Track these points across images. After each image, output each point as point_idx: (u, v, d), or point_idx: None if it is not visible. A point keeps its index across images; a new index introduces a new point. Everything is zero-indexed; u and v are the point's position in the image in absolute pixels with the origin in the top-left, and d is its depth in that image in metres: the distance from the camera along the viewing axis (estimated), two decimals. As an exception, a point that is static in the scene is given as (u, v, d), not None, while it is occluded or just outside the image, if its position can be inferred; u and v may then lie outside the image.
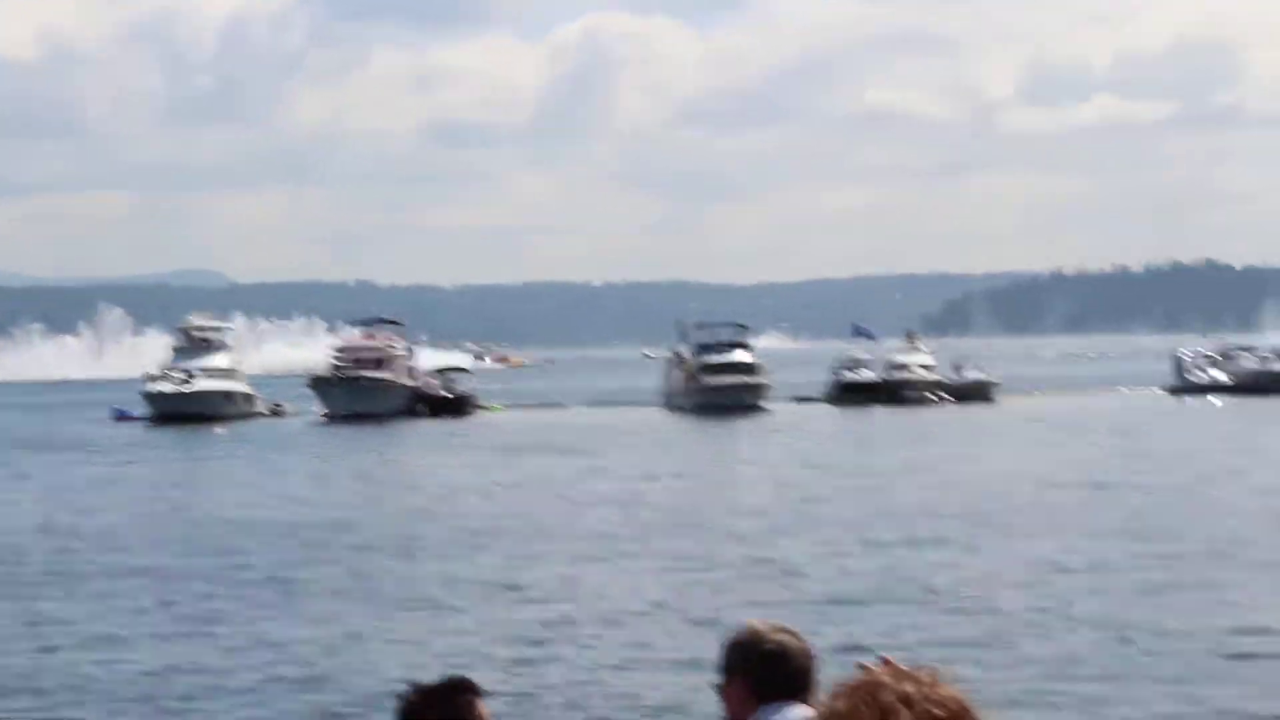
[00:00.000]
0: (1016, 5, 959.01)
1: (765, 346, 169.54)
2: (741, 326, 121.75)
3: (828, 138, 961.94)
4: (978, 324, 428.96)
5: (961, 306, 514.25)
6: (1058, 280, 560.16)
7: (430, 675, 5.65)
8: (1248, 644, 27.20)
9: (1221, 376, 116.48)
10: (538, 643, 28.80)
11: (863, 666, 3.24)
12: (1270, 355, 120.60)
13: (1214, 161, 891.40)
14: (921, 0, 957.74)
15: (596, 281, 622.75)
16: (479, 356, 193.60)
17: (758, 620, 5.53)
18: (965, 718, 3.05)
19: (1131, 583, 33.77)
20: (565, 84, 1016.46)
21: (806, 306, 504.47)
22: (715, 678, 5.49)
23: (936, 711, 3.02)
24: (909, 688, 3.06)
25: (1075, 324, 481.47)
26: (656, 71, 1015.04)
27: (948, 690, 3.07)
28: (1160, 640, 27.68)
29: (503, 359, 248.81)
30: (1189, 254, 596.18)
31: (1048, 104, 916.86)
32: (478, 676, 5.66)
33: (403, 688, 5.62)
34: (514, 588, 35.06)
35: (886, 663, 3.25)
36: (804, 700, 5.32)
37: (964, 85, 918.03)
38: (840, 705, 3.08)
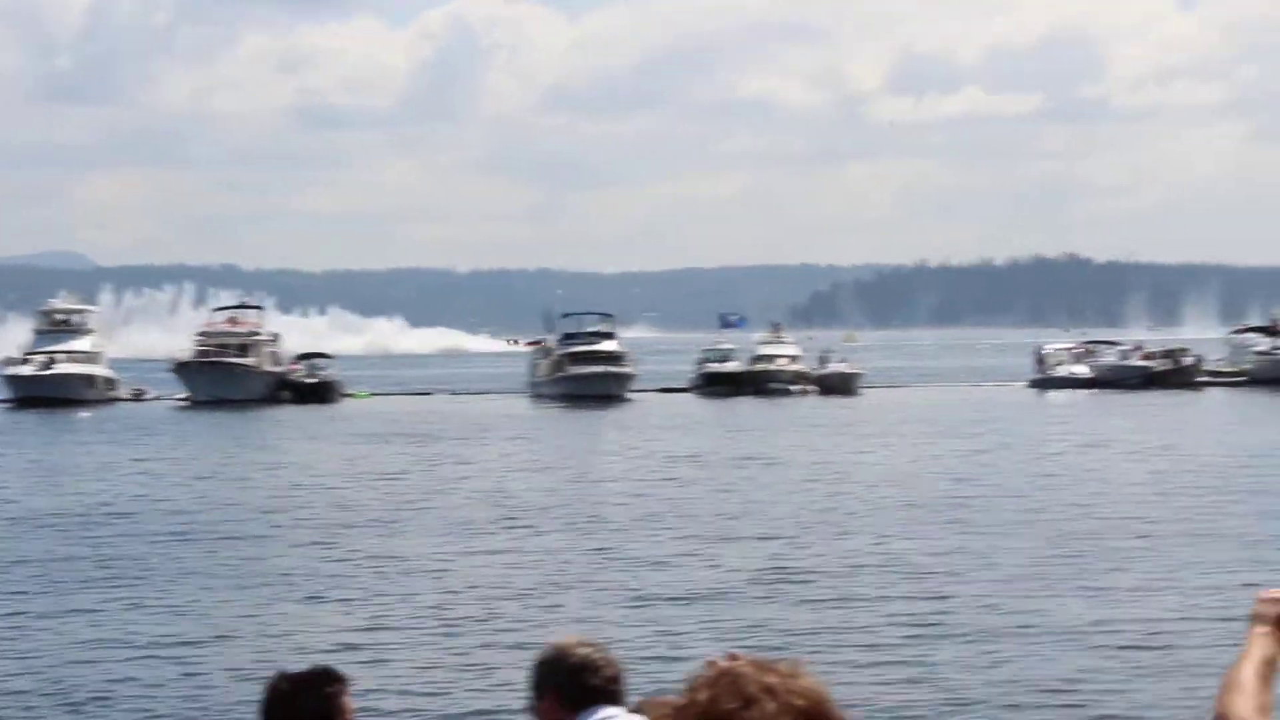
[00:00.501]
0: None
1: (632, 336, 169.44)
2: (608, 316, 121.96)
3: (698, 126, 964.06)
4: (845, 316, 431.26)
5: (829, 298, 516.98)
6: (923, 273, 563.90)
7: (287, 665, 5.65)
8: (1078, 629, 27.62)
9: (1082, 371, 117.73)
10: (396, 631, 28.76)
11: (714, 662, 3.25)
12: (1130, 350, 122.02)
13: (1078, 155, 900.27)
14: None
15: (462, 268, 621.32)
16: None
17: (562, 636, 5.59)
18: (824, 708, 3.07)
19: (969, 570, 34.15)
20: (433, 68, 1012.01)
21: (674, 296, 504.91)
22: (528, 698, 5.55)
23: (797, 701, 3.03)
24: (771, 678, 3.07)
25: (943, 317, 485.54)
26: (525, 57, 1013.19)
27: (807, 681, 3.09)
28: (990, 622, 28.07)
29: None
30: (1052, 248, 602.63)
31: (915, 95, 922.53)
32: (337, 664, 5.69)
33: (269, 676, 5.63)
34: (375, 576, 34.95)
35: (734, 657, 3.26)
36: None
37: (833, 75, 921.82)
38: (702, 696, 3.08)
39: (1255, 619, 4.29)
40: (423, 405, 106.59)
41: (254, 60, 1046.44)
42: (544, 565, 36.53)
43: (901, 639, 27.68)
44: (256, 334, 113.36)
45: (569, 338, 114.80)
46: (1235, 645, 4.32)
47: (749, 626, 28.67)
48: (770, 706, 3.01)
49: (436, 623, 29.60)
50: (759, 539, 40.32)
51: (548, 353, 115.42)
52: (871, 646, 27.13)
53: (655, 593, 32.52)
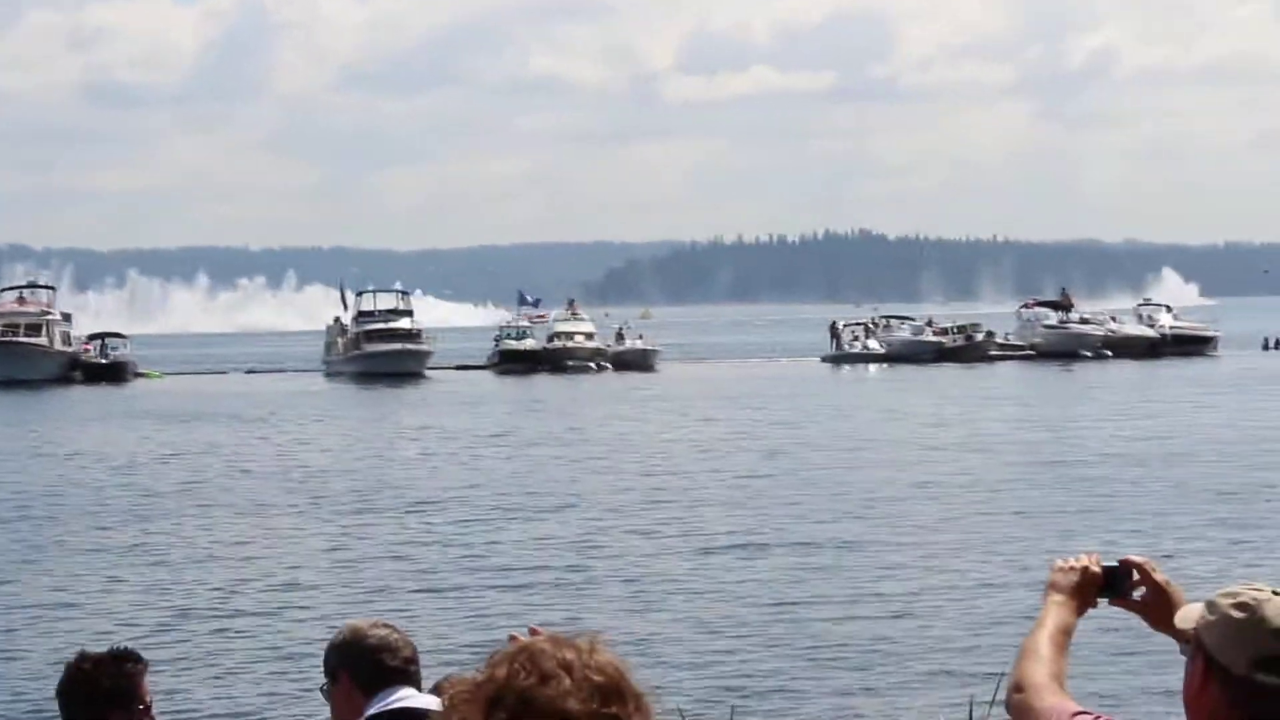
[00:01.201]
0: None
1: (428, 313, 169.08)
2: (403, 293, 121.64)
3: (490, 103, 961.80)
4: (641, 293, 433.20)
5: (624, 275, 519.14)
6: (718, 249, 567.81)
7: (88, 645, 5.66)
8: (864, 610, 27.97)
9: (875, 346, 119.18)
10: (192, 613, 28.50)
11: (515, 637, 3.23)
12: (921, 325, 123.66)
13: (868, 133, 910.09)
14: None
15: (255, 247, 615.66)
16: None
17: (356, 620, 5.57)
18: (623, 684, 3.07)
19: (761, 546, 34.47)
20: (223, 46, 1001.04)
21: (471, 273, 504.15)
22: (322, 682, 5.53)
23: (595, 678, 3.02)
24: (569, 654, 3.05)
25: (740, 293, 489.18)
26: (317, 34, 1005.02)
27: (606, 656, 3.08)
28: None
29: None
30: (845, 224, 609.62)
31: (707, 73, 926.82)
32: (136, 645, 5.70)
33: (70, 657, 5.65)
34: (170, 556, 34.61)
35: (535, 632, 3.25)
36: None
37: (625, 53, 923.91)
38: (499, 672, 3.06)
39: (1050, 587, 4.40)
40: (217, 385, 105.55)
41: (41, 36, 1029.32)
42: (341, 547, 36.33)
43: (708, 615, 27.85)
44: (48, 313, 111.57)
45: (364, 315, 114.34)
46: (1030, 615, 4.37)
47: (552, 604, 28.72)
48: (566, 683, 3.00)
49: (229, 608, 29.33)
50: (559, 517, 40.40)
51: (344, 330, 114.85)
52: (676, 620, 27.29)
53: (452, 572, 32.49)
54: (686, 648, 25.34)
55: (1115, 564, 4.44)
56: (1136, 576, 4.44)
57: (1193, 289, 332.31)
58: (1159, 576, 4.41)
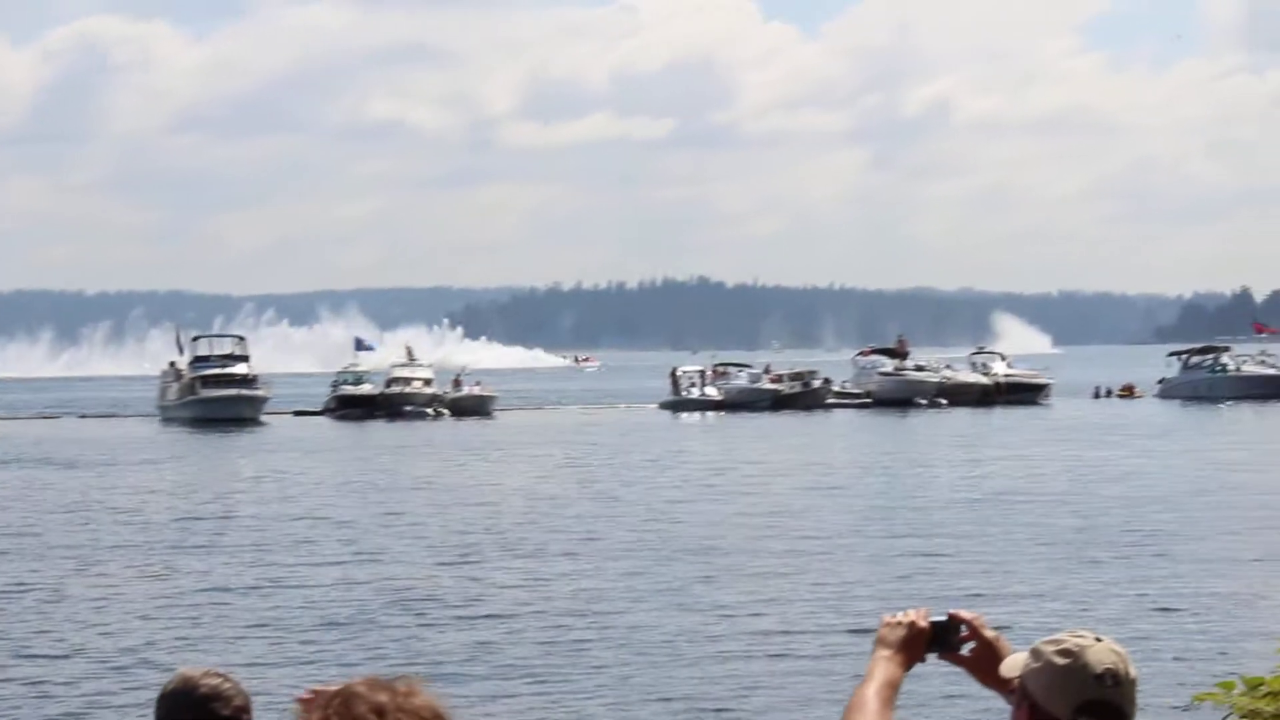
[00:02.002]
0: (516, 20, 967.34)
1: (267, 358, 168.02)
2: (240, 338, 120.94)
3: (330, 148, 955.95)
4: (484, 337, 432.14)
5: (463, 320, 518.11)
6: (557, 295, 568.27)
7: None
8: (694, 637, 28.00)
9: (713, 393, 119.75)
10: (27, 655, 28.05)
11: (307, 695, 3.18)
12: (758, 373, 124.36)
13: (707, 180, 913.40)
14: (421, 12, 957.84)
15: (90, 290, 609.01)
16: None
17: (188, 668, 5.44)
18: None
19: (591, 586, 34.44)
20: (59, 87, 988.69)
21: (308, 319, 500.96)
22: None
23: None
24: (383, 697, 3.03)
25: (581, 339, 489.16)
26: (154, 77, 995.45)
27: (423, 699, 3.06)
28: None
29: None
30: (683, 271, 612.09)
31: (545, 120, 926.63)
32: None
33: None
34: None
35: (315, 691, 3.19)
36: None
37: (464, 99, 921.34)
38: (314, 718, 3.02)
39: (879, 642, 4.40)
40: (47, 429, 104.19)
41: None
42: (173, 593, 35.89)
43: (534, 659, 27.74)
44: None
45: (200, 360, 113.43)
46: (860, 663, 4.35)
47: (381, 650, 28.51)
48: None
49: (56, 651, 28.88)
50: (392, 561, 40.15)
51: (179, 375, 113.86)
52: (505, 667, 27.17)
53: (286, 617, 32.16)
54: (522, 686, 25.21)
55: (944, 618, 4.43)
56: (965, 631, 4.43)
57: (1046, 338, 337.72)
58: (988, 633, 4.40)
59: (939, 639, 4.43)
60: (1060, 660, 4.06)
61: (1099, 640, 4.10)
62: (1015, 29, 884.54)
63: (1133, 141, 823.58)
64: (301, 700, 3.28)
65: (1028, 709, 4.11)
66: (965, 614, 4.43)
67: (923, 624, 4.41)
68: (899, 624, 4.39)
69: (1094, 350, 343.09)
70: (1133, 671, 4.09)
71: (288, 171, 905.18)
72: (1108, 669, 4.03)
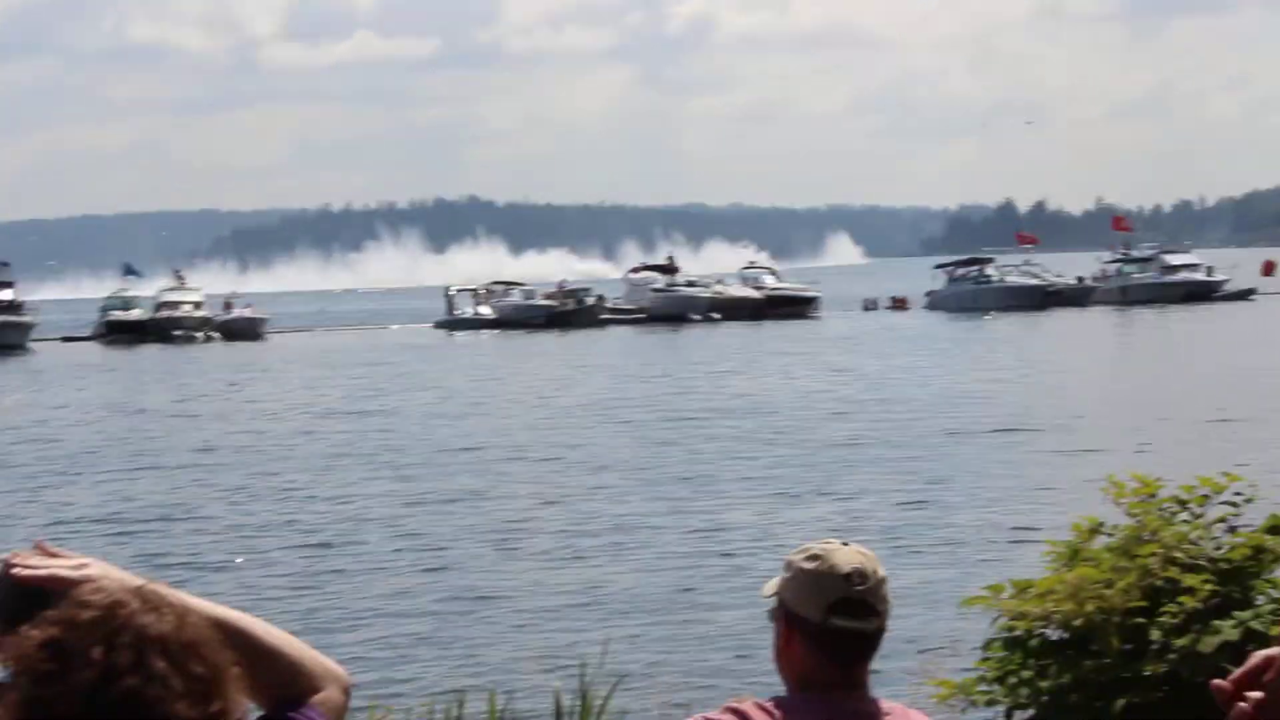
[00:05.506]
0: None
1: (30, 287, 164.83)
2: (3, 264, 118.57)
3: (89, 72, 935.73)
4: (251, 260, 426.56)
5: (231, 243, 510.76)
6: (328, 217, 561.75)
7: None
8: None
9: (486, 311, 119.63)
10: None
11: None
12: (532, 290, 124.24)
13: (472, 99, 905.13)
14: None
15: None
16: None
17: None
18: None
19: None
20: None
21: (73, 244, 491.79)
22: None
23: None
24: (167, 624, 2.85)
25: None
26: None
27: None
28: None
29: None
30: (453, 190, 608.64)
31: (310, 40, 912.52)
32: None
33: None
34: None
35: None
36: None
37: (226, 20, 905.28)
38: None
39: None
40: None
41: None
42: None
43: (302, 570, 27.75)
44: None
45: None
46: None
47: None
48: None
49: None
50: (147, 479, 39.97)
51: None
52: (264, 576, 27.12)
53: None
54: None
55: None
56: None
57: (859, 249, 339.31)
58: None
59: None
60: (808, 565, 4.26)
61: (845, 545, 4.31)
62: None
63: (896, 57, 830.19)
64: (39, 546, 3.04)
65: (784, 619, 4.31)
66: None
67: None
68: None
69: (868, 264, 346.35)
70: (881, 571, 4.29)
71: (46, 96, 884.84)
72: (855, 568, 4.23)
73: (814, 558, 4.27)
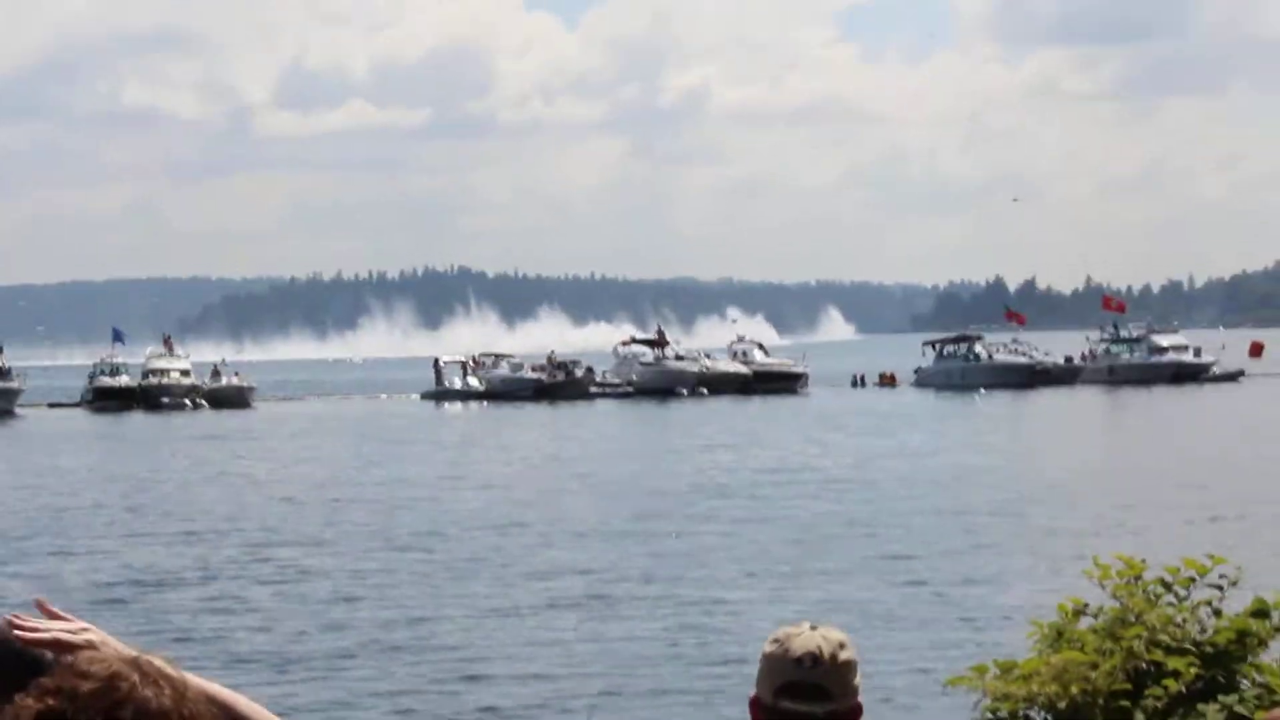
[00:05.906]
0: (273, 6, 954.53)
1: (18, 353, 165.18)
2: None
3: (82, 136, 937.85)
4: (241, 329, 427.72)
5: (219, 311, 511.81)
6: (317, 286, 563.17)
7: None
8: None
9: (475, 383, 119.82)
10: None
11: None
12: (520, 362, 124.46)
13: (465, 170, 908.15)
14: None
15: None
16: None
17: None
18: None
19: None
20: None
21: (63, 310, 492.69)
22: None
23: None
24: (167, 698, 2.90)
25: (344, 328, 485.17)
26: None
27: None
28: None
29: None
30: (443, 261, 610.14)
31: (303, 108, 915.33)
32: None
33: None
34: None
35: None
36: None
37: (221, 87, 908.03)
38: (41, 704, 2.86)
39: None
40: None
41: None
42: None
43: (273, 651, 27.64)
44: None
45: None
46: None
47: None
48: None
49: None
50: (141, 546, 39.84)
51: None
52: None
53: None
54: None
55: None
56: None
57: (850, 326, 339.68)
58: None
59: None
60: (768, 648, 4.27)
61: (814, 628, 4.26)
62: (772, 19, 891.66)
63: (887, 131, 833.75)
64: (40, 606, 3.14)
65: (753, 700, 4.28)
66: None
67: None
68: None
69: (858, 340, 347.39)
70: (846, 655, 4.23)
71: (40, 159, 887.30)
72: (808, 652, 4.19)
73: (775, 641, 4.30)
